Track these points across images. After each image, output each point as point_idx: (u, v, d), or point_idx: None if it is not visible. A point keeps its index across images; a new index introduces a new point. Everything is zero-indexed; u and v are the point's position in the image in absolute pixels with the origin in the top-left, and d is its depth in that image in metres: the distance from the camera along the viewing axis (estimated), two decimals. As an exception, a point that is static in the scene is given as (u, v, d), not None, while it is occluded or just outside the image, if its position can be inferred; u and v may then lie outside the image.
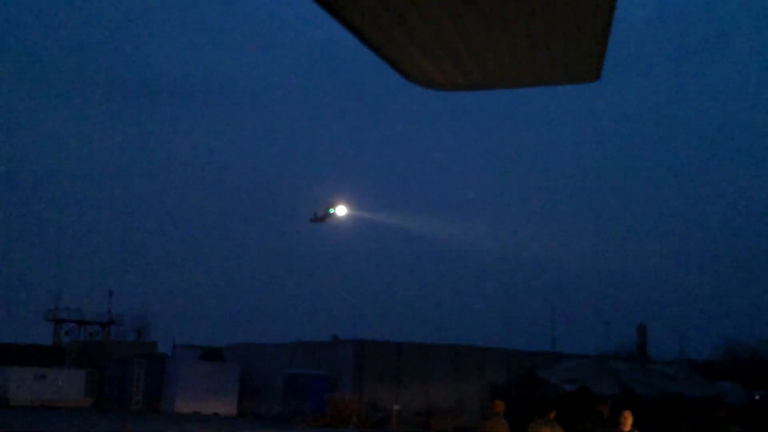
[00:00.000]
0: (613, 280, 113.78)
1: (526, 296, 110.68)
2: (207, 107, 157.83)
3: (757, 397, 45.41)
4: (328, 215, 48.67)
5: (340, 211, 48.80)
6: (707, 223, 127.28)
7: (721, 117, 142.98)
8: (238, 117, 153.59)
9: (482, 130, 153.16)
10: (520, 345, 58.22)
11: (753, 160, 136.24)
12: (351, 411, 44.23)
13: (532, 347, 55.63)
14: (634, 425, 13.42)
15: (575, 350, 56.09)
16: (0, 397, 53.88)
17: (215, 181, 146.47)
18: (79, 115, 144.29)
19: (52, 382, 56.04)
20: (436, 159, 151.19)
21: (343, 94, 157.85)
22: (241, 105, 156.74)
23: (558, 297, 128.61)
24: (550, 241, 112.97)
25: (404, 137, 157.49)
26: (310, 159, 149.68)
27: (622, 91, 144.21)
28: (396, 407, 43.92)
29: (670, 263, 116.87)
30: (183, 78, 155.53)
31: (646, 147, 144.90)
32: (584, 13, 2.61)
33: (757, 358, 59.07)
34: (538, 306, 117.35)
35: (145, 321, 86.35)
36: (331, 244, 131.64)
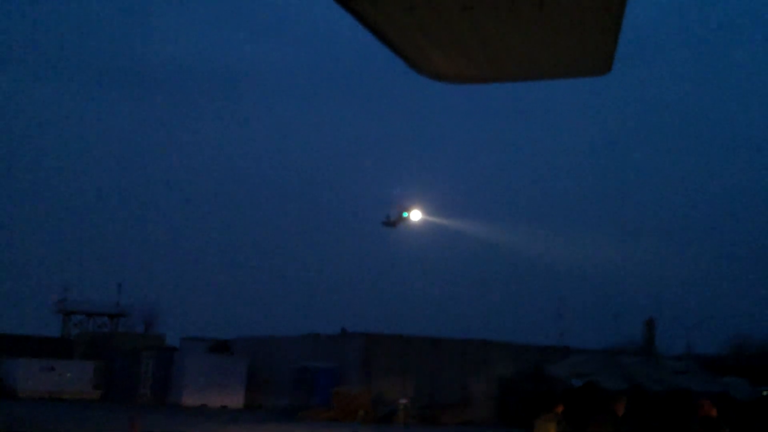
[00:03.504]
0: (621, 275, 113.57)
1: (534, 290, 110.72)
2: (211, 96, 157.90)
3: (764, 392, 45.29)
4: (401, 219, 46.16)
5: (415, 215, 46.03)
6: (717, 217, 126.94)
7: (731, 109, 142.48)
8: (267, 110, 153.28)
9: (484, 124, 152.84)
10: (528, 339, 58.20)
11: (765, 152, 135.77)
12: (358, 404, 44.27)
13: (540, 342, 55.62)
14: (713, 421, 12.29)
15: (583, 345, 56.02)
16: (8, 388, 54.11)
17: (225, 175, 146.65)
18: (87, 105, 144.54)
19: (60, 374, 56.25)
20: (448, 154, 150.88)
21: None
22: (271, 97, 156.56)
23: (566, 291, 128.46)
24: (558, 235, 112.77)
25: (422, 133, 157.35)
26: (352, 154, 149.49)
27: (632, 84, 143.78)
28: (403, 401, 43.93)
29: (678, 258, 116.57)
30: (207, 67, 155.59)
31: (656, 140, 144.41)
32: (595, 4, 2.59)
33: (765, 354, 58.92)
34: (547, 300, 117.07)
35: (154, 313, 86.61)
36: (337, 238, 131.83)
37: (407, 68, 2.95)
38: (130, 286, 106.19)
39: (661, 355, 55.51)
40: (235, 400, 52.03)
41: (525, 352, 50.80)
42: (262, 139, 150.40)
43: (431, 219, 49.63)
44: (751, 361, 54.59)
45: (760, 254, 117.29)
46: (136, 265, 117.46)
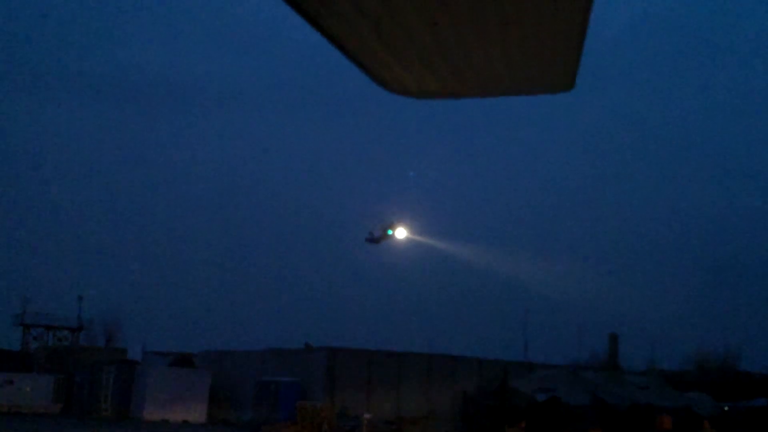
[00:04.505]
0: (586, 291, 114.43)
1: (499, 305, 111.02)
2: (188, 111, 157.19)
3: (726, 408, 45.76)
4: (385, 236, 45.92)
5: (400, 233, 45.71)
6: (678, 234, 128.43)
7: (691, 129, 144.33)
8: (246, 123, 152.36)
9: (452, 138, 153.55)
10: (493, 354, 58.38)
11: (724, 170, 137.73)
12: (322, 419, 44.08)
13: (505, 356, 55.78)
14: None
15: (548, 360, 56.27)
16: (-34, 402, 53.19)
17: (190, 189, 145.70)
18: (43, 114, 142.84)
19: (19, 388, 55.42)
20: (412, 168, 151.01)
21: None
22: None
23: (531, 307, 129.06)
24: (524, 252, 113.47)
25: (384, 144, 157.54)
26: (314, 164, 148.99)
27: (595, 103, 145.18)
28: (367, 415, 43.82)
29: (642, 274, 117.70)
30: (177, 79, 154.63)
31: (618, 158, 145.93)
32: (558, 22, 2.60)
33: (727, 370, 59.59)
34: (511, 315, 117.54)
35: (116, 326, 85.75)
36: (303, 252, 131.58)
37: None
38: (91, 299, 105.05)
39: (625, 371, 55.92)
40: (198, 414, 51.55)
41: (489, 366, 50.92)
42: (235, 153, 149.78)
43: (414, 237, 49.43)
44: (713, 377, 55.17)
45: (721, 271, 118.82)
46: (98, 278, 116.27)
